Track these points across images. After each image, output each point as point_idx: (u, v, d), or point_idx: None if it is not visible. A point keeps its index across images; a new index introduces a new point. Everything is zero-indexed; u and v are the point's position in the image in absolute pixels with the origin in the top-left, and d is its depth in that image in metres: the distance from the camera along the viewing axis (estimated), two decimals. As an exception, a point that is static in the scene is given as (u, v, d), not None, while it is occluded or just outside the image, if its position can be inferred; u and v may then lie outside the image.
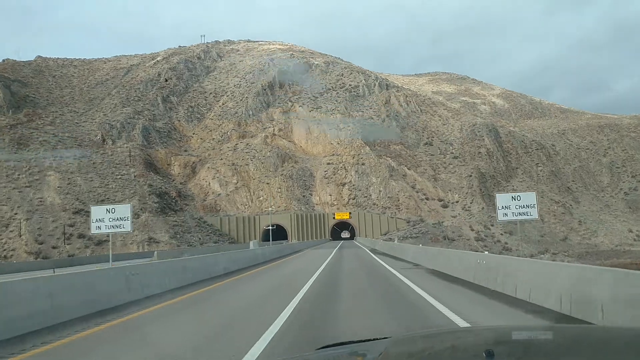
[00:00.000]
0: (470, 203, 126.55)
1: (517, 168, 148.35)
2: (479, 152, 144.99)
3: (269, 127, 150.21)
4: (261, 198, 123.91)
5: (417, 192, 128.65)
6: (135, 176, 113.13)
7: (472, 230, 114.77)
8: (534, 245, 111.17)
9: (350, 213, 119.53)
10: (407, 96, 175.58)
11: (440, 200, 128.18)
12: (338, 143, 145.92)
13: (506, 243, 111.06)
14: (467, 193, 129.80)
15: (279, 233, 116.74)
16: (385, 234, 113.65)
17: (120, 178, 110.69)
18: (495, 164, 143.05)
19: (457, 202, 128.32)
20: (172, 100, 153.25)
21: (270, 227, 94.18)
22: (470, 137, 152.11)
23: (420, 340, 2.20)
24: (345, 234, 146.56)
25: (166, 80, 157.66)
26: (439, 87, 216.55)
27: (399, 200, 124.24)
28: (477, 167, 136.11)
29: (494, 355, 1.40)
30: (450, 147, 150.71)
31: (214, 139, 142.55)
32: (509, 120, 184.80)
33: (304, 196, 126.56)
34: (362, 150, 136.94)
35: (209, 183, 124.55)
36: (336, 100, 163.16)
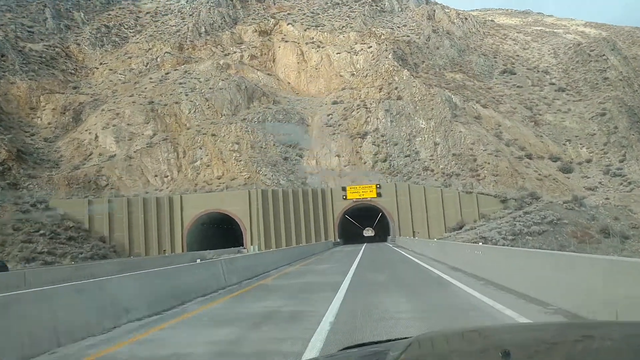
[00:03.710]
0: (620, 162, 63.27)
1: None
2: (605, 79, 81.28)
3: (235, 52, 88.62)
4: (197, 163, 62.28)
5: (508, 145, 65.84)
6: None
7: (660, 214, 51.42)
8: None
9: (378, 186, 57.17)
10: (459, 13, 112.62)
11: (554, 159, 65.14)
12: (353, 74, 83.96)
13: None
14: (607, 144, 66.43)
15: (230, 230, 56.27)
16: (461, 228, 51.04)
17: None
18: (642, 95, 79.24)
19: (589, 161, 65.10)
20: (76, 16, 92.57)
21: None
22: (580, 60, 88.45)
23: (439, 340, 2.18)
24: (368, 232, 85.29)
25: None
26: (497, 20, 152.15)
27: (475, 161, 61.55)
28: (618, 99, 72.70)
29: (510, 355, 1.40)
30: (547, 76, 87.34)
31: (133, 69, 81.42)
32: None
33: (285, 159, 64.64)
34: (397, 77, 74.49)
35: (97, 136, 63.39)
36: (348, 16, 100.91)
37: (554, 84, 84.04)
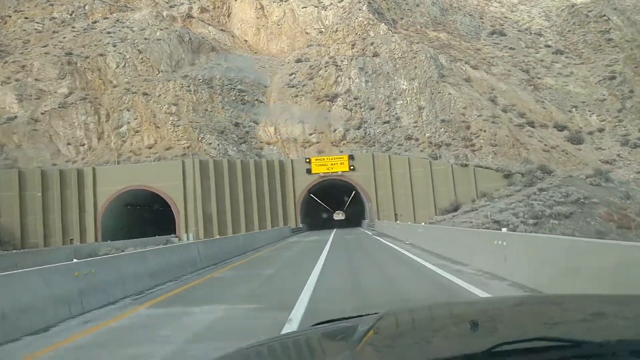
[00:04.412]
0: (640, 130, 53.25)
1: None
2: (609, 40, 71.22)
3: (182, 3, 75.33)
4: (123, 128, 49.48)
5: (505, 111, 55.02)
6: None
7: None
8: None
9: (351, 158, 45.57)
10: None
11: (560, 127, 54.70)
12: (320, 31, 71.76)
13: None
14: (621, 110, 56.45)
15: (165, 213, 44.10)
16: (457, 210, 40.04)
17: None
18: (653, 58, 69.49)
19: (601, 130, 54.94)
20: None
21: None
22: (577, 21, 78.37)
23: (407, 314, 2.29)
24: (339, 215, 74.29)
25: None
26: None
27: (469, 129, 50.55)
28: (631, 61, 62.94)
29: (478, 325, 1.45)
30: (541, 38, 77.04)
31: (55, 18, 67.48)
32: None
33: (237, 125, 52.37)
34: (373, 32, 62.76)
35: (-7, 94, 49.83)
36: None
37: (549, 46, 73.73)
